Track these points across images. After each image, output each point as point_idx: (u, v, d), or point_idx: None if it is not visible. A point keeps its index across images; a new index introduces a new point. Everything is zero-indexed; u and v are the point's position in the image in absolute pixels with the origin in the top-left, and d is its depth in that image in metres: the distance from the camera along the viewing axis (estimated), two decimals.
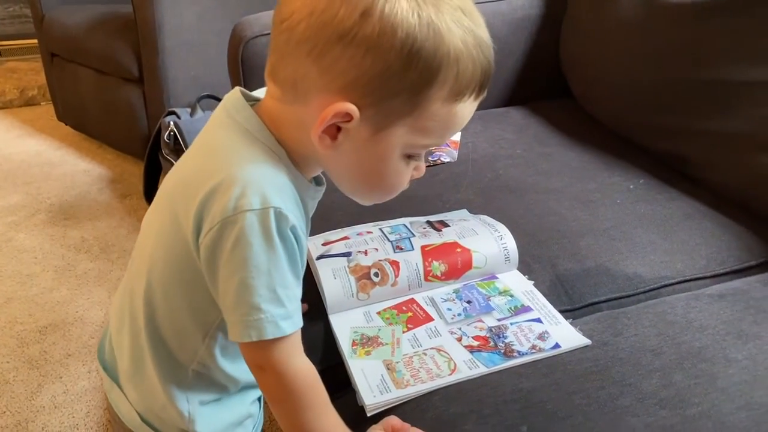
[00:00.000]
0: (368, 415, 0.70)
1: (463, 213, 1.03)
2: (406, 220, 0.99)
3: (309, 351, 0.63)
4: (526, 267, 0.92)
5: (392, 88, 0.53)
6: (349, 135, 0.56)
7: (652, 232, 1.00)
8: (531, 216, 1.04)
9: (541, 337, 0.78)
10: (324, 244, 0.94)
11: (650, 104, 1.20)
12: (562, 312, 0.86)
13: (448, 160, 1.22)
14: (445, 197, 1.10)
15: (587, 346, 0.76)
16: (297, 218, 0.57)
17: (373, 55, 0.51)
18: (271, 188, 0.56)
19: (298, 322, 0.59)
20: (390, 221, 1.00)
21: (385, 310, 0.85)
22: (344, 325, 0.83)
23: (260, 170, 0.57)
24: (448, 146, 1.27)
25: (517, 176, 1.16)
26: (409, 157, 0.60)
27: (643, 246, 0.97)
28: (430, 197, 1.10)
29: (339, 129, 0.56)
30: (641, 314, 0.82)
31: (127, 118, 2.14)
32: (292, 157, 0.60)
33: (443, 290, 0.88)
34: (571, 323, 0.81)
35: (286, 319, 0.57)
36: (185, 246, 0.58)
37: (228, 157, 0.58)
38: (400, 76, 0.52)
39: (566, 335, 0.79)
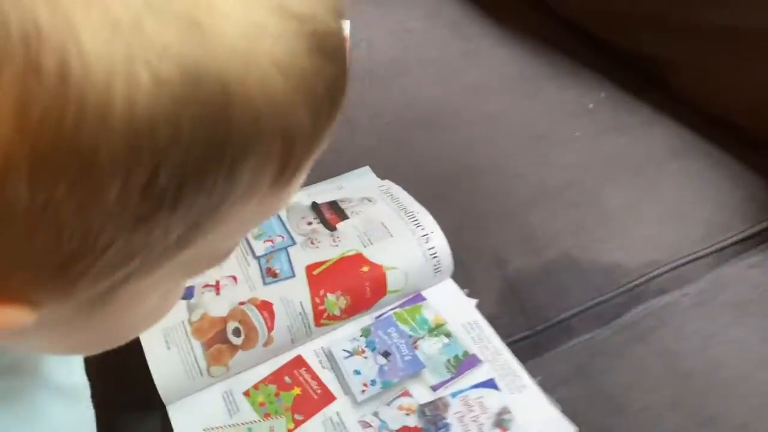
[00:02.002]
0: None
1: (367, 177, 0.70)
2: None
3: None
4: (462, 271, 0.62)
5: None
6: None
7: (627, 188, 0.71)
8: (459, 174, 0.72)
9: (501, 423, 0.51)
10: None
11: None
12: (520, 342, 0.58)
13: None
14: (336, 144, 0.75)
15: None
16: None
17: None
18: None
19: None
20: None
21: (256, 386, 0.54)
22: (193, 428, 0.52)
23: None
24: None
25: (434, 97, 0.82)
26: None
27: (618, 213, 0.69)
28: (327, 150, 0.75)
29: None
30: (633, 352, 0.56)
31: None
32: None
33: (345, 333, 0.57)
34: (539, 382, 0.54)
35: None
36: None
37: None
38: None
39: (538, 416, 0.52)
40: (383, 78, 0.84)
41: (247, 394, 0.53)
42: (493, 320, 0.59)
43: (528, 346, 0.59)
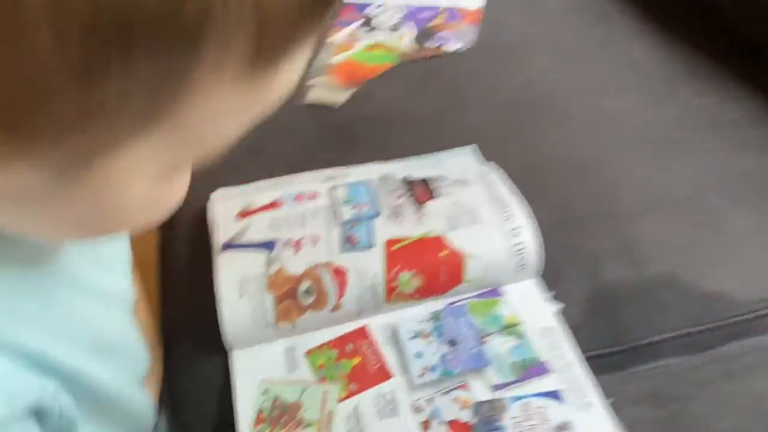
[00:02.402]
0: None
1: (467, 158, 0.67)
2: (373, 171, 0.64)
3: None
4: (552, 272, 0.59)
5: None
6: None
7: (754, 212, 0.64)
8: (567, 168, 0.68)
9: None
10: (241, 215, 0.60)
11: None
12: (599, 358, 0.55)
13: (456, 47, 0.82)
14: (442, 119, 0.73)
15: None
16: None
17: None
18: None
19: None
20: (349, 170, 0.65)
21: (319, 347, 0.54)
22: (251, 376, 0.53)
23: None
24: (459, 19, 0.86)
25: (556, 83, 0.78)
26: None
27: (738, 238, 0.62)
28: (418, 118, 0.73)
29: None
30: (720, 386, 0.51)
31: None
32: None
33: (414, 313, 0.56)
34: (612, 404, 0.50)
35: None
36: None
37: None
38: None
39: None
40: (506, 56, 0.81)
41: (309, 353, 0.54)
42: (575, 330, 0.55)
43: (606, 364, 0.55)
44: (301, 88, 0.78)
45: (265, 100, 0.25)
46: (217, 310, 0.53)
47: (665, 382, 0.54)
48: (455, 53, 0.81)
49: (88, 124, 0.20)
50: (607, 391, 0.51)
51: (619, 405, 0.50)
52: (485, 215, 0.58)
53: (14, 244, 0.30)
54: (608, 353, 0.56)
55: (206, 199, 0.63)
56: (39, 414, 0.30)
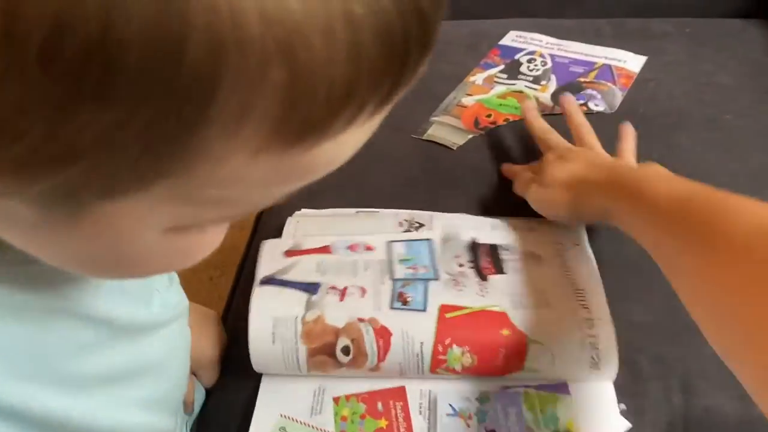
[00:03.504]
0: None
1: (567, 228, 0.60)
2: (439, 226, 0.59)
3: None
4: (634, 380, 0.50)
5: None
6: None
7: None
8: None
9: None
10: (288, 254, 0.57)
11: None
12: None
13: (600, 108, 0.75)
14: None
15: None
16: None
17: None
18: None
19: None
20: (442, 217, 0.61)
21: (349, 397, 0.51)
22: (273, 407, 0.51)
23: None
24: (612, 81, 0.79)
25: (704, 170, 0.67)
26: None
27: None
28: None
29: None
30: None
31: None
32: None
33: (461, 387, 0.51)
34: None
35: None
36: None
37: None
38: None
39: None
40: (653, 127, 0.72)
41: (336, 400, 0.50)
42: None
43: None
44: (424, 122, 0.75)
45: (303, 175, 0.21)
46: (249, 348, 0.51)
47: None
48: (595, 114, 0.74)
49: (69, 161, 0.17)
50: None
51: None
52: (557, 298, 0.51)
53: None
54: None
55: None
56: None
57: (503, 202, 0.64)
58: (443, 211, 0.62)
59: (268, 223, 0.67)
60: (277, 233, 0.60)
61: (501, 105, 0.77)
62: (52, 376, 0.32)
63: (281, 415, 0.50)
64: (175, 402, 0.45)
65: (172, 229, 0.23)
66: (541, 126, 0.66)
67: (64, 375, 0.32)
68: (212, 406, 0.54)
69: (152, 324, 0.39)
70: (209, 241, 0.26)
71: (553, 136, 0.63)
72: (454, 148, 0.72)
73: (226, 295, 0.67)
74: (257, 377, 0.52)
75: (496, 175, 0.68)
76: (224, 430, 0.52)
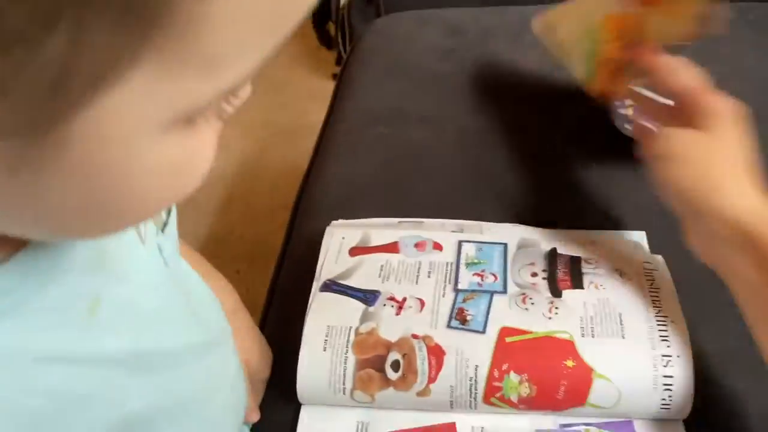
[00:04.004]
0: None
1: (634, 245, 0.55)
2: (516, 234, 0.55)
3: None
4: (706, 423, 0.46)
5: None
6: None
7: None
8: None
9: None
10: (354, 251, 0.54)
11: None
12: None
13: (662, 100, 0.69)
14: (626, 191, 0.61)
15: None
16: None
17: None
18: None
19: None
20: (490, 227, 0.57)
21: None
22: None
23: None
24: None
25: None
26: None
27: None
28: (599, 188, 0.62)
29: None
30: None
31: None
32: None
33: (518, 424, 0.46)
34: None
35: None
36: None
37: None
38: None
39: None
40: None
41: None
42: None
43: None
44: None
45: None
46: (299, 354, 0.47)
47: None
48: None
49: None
50: None
51: None
52: (634, 328, 0.46)
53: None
54: None
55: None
56: None
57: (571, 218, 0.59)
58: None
59: (300, 228, 0.63)
60: (308, 245, 0.56)
61: None
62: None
63: None
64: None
65: (165, 129, 0.20)
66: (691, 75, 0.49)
67: None
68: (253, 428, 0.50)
69: (173, 353, 0.35)
70: (204, 147, 0.23)
71: (713, 99, 0.46)
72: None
73: (253, 287, 0.63)
74: (296, 408, 0.48)
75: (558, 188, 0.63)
76: None
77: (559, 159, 0.65)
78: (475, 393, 0.45)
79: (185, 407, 0.36)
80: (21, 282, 0.25)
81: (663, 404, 0.44)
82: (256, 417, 0.50)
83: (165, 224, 0.37)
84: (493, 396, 0.45)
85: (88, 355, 0.28)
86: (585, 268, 0.51)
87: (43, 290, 0.25)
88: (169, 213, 0.38)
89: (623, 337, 0.46)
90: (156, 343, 0.33)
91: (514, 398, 0.45)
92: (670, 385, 0.44)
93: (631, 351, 0.45)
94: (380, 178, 0.65)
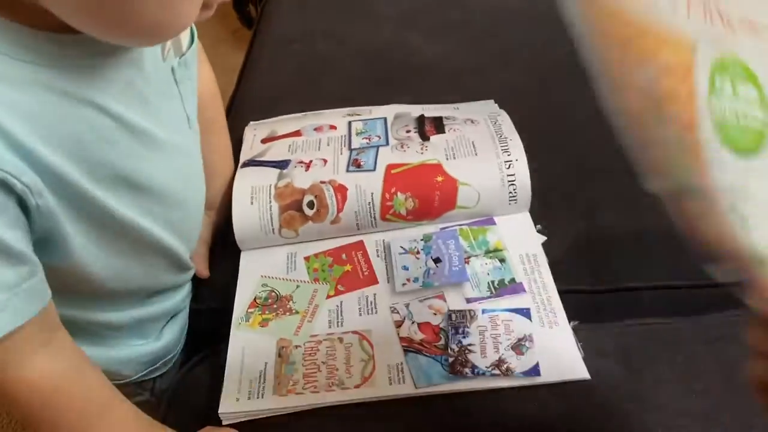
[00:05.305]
0: (223, 423, 0.49)
1: (487, 106, 0.71)
2: (393, 111, 0.69)
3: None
4: (544, 208, 0.62)
5: None
6: None
7: None
8: (592, 129, 0.70)
9: (519, 347, 0.51)
10: (264, 141, 0.68)
11: None
12: (575, 293, 0.57)
13: None
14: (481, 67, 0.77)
15: (585, 382, 0.49)
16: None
17: None
18: None
19: (15, 315, 0.37)
20: (375, 108, 0.71)
21: (316, 255, 0.60)
22: (253, 272, 0.59)
23: None
24: None
25: None
26: None
27: None
28: (453, 69, 0.78)
29: None
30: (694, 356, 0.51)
31: None
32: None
33: (408, 234, 0.61)
34: (574, 328, 0.53)
35: None
36: None
37: None
38: None
39: (557, 353, 0.51)
40: None
41: (307, 259, 0.60)
42: (554, 265, 0.58)
43: (586, 303, 0.57)
44: None
45: None
46: (232, 212, 0.60)
47: (637, 339, 0.54)
48: None
49: None
50: (579, 336, 0.52)
51: (585, 355, 0.51)
52: (484, 148, 0.62)
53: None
54: (589, 290, 0.58)
55: None
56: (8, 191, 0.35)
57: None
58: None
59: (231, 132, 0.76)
60: (236, 144, 0.69)
61: None
62: (83, 160, 0.39)
63: (262, 276, 0.59)
64: (191, 234, 0.55)
65: None
66: None
67: (93, 163, 0.40)
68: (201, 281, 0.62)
69: (165, 143, 0.46)
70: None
71: None
72: None
73: None
74: (239, 257, 0.61)
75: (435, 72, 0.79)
76: (217, 295, 0.60)
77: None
78: (374, 213, 0.60)
79: (174, 193, 0.49)
80: (92, 46, 0.37)
81: (511, 197, 0.60)
82: (206, 273, 0.62)
83: (183, 54, 0.49)
84: (388, 213, 0.60)
85: (120, 117, 0.41)
86: (446, 123, 0.67)
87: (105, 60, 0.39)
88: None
89: (476, 155, 0.61)
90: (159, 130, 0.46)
91: (403, 212, 0.60)
92: (514, 181, 0.60)
93: (483, 162, 0.61)
94: (294, 84, 0.79)
